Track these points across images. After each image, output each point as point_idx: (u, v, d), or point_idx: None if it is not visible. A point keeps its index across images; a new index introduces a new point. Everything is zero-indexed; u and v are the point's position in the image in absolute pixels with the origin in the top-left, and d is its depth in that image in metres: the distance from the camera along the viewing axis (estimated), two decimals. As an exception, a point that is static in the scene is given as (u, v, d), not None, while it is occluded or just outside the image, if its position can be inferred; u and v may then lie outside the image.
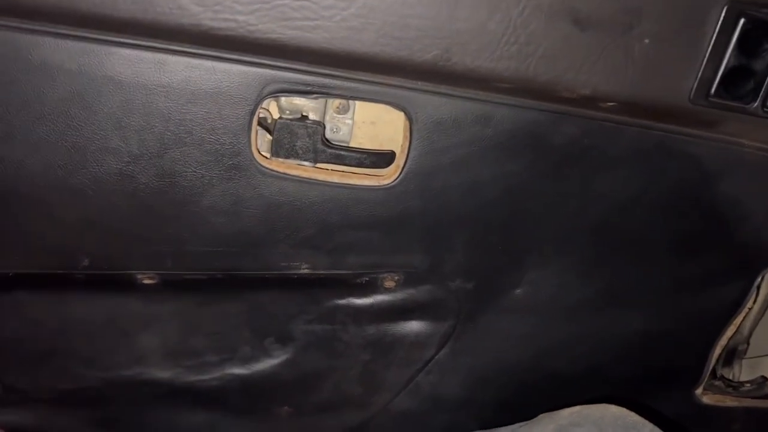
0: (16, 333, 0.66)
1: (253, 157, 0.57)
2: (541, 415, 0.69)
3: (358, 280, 0.67)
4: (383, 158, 0.60)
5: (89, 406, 0.71)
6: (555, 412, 0.67)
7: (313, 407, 0.76)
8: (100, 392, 0.70)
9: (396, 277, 0.68)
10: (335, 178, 0.60)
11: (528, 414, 0.76)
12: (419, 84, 0.55)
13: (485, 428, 0.75)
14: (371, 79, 0.55)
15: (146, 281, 0.63)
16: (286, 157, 0.58)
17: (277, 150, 0.58)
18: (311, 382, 0.74)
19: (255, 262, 0.63)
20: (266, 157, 0.58)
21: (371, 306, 0.70)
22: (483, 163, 0.60)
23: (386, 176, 0.61)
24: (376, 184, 0.61)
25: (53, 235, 0.58)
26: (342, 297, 0.69)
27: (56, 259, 0.60)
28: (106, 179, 0.55)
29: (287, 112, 0.59)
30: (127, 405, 0.72)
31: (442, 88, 0.56)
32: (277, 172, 0.58)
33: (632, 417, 0.63)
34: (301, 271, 0.65)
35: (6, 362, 0.67)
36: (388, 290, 0.69)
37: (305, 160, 0.59)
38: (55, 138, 0.53)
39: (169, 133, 0.54)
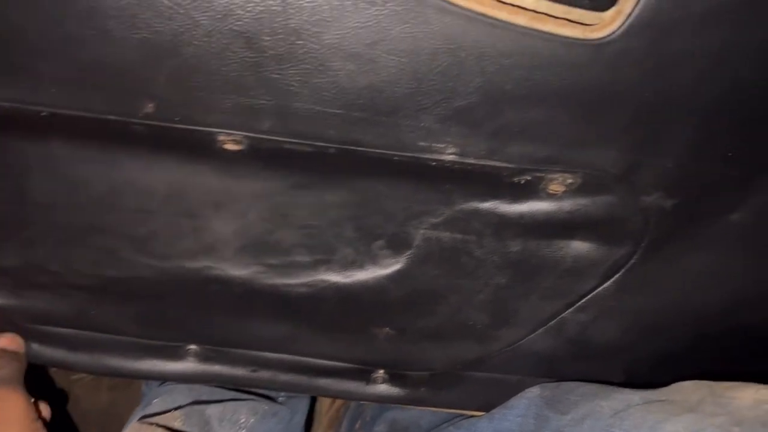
0: (49, 196, 0.49)
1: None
2: (698, 385, 0.50)
3: (516, 179, 0.48)
4: (604, -5, 0.39)
5: (139, 300, 0.56)
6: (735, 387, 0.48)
7: (421, 333, 0.59)
8: (154, 285, 0.54)
9: (569, 181, 0.48)
10: (522, 20, 0.39)
11: (691, 376, 0.58)
12: None
13: (634, 385, 0.58)
14: None
15: (229, 146, 0.45)
16: (460, -23, 0.38)
17: (447, -37, 0.37)
18: (424, 302, 0.57)
19: (383, 137, 0.44)
20: (427, -24, 0.38)
21: (522, 216, 0.51)
22: (758, 18, 0.39)
23: (599, 26, 0.40)
24: (583, 36, 0.40)
25: (108, 61, 0.40)
26: (486, 199, 0.50)
27: (109, 98, 0.41)
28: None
29: None
30: (189, 305, 0.56)
31: None
32: (441, 0, 0.38)
33: None
34: (444, 157, 0.45)
35: (35, 234, 0.51)
36: (551, 197, 0.49)
37: (487, -16, 0.38)
38: None
39: None
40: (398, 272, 0.55)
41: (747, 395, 0.43)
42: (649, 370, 0.62)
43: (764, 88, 0.43)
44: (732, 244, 0.52)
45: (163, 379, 0.61)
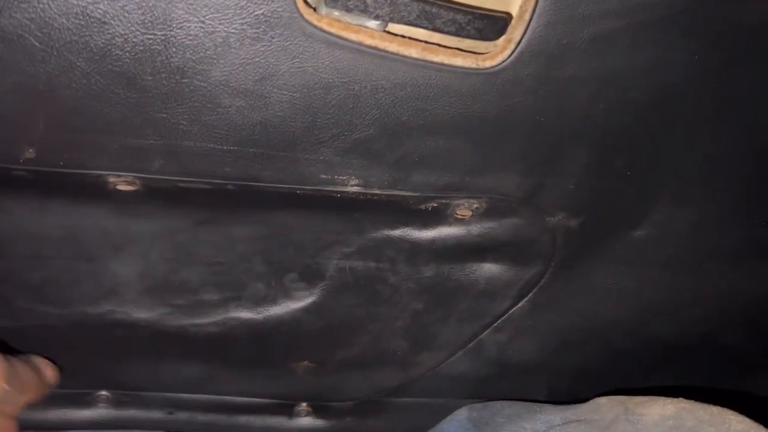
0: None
1: (296, 8, 0.36)
2: (613, 402, 0.51)
3: (422, 206, 0.48)
4: (493, 25, 0.39)
5: (42, 350, 0.53)
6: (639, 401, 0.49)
7: (341, 363, 0.58)
8: (56, 333, 0.51)
9: (475, 206, 0.48)
10: (414, 52, 0.39)
11: (611, 387, 0.60)
12: None
13: (556, 399, 0.59)
14: None
15: (122, 186, 0.43)
16: (346, 11, 0.37)
17: (333, -2, 0.37)
18: (342, 333, 0.56)
19: (283, 171, 0.43)
20: (315, 10, 0.37)
21: (433, 241, 0.51)
22: (638, 44, 0.40)
23: (490, 55, 0.40)
24: (475, 65, 0.40)
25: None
26: (396, 227, 0.50)
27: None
28: (59, 27, 0.34)
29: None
30: (95, 351, 0.53)
31: None
32: (330, 34, 0.37)
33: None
34: (348, 189, 0.45)
35: None
36: (459, 222, 0.50)
37: (375, 17, 0.38)
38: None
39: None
40: (313, 304, 0.53)
41: (654, 411, 0.43)
42: (570, 385, 0.62)
43: (655, 109, 0.44)
44: (638, 258, 0.53)
45: (74, 428, 0.58)
